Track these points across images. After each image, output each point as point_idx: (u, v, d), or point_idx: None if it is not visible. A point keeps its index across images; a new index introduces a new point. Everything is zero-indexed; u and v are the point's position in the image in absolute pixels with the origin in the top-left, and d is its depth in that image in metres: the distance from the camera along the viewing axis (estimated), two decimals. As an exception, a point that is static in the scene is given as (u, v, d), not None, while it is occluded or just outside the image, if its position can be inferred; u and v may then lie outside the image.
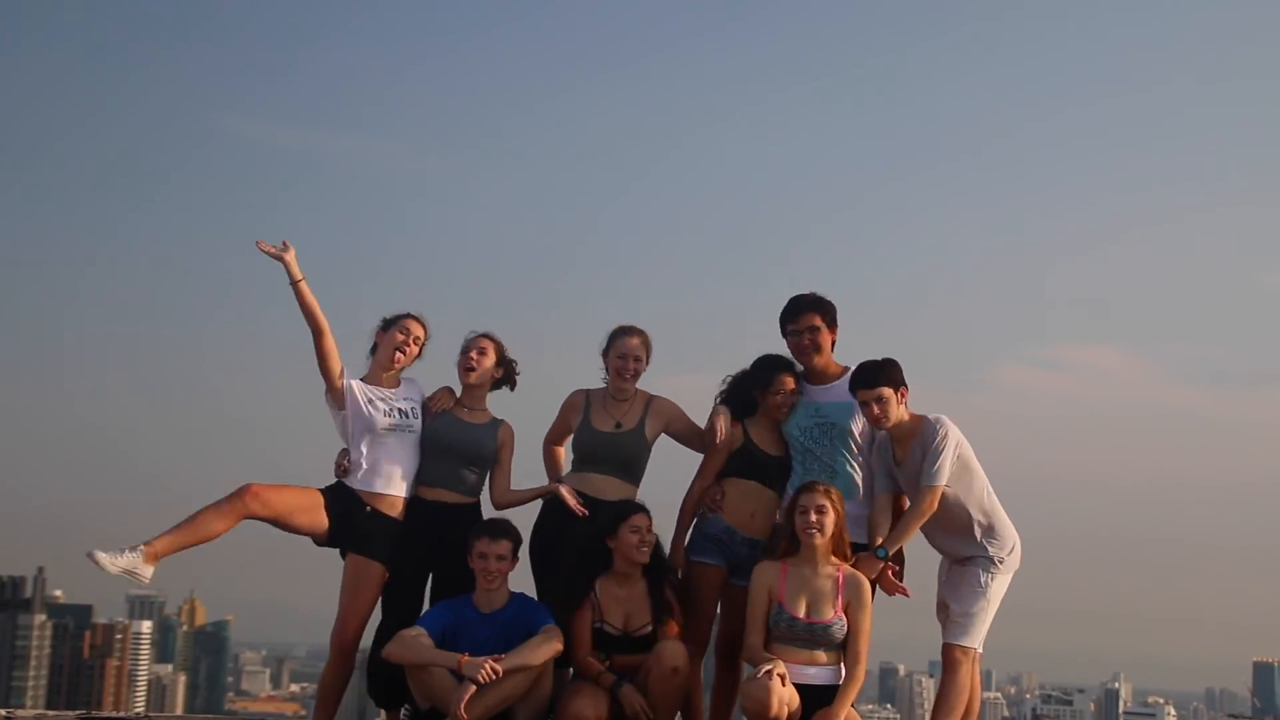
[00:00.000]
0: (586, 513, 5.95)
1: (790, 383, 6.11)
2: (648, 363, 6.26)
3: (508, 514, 6.13)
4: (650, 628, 5.82)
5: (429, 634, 5.65)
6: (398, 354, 6.08)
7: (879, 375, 5.81)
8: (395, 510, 5.99)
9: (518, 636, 5.65)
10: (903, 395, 5.84)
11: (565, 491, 6.02)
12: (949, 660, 5.79)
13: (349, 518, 5.91)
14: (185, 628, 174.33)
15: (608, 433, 6.17)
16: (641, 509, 5.96)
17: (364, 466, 5.97)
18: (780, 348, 6.24)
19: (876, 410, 5.76)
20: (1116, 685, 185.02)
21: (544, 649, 5.61)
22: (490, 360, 6.19)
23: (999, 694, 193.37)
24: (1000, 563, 5.82)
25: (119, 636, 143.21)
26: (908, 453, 5.82)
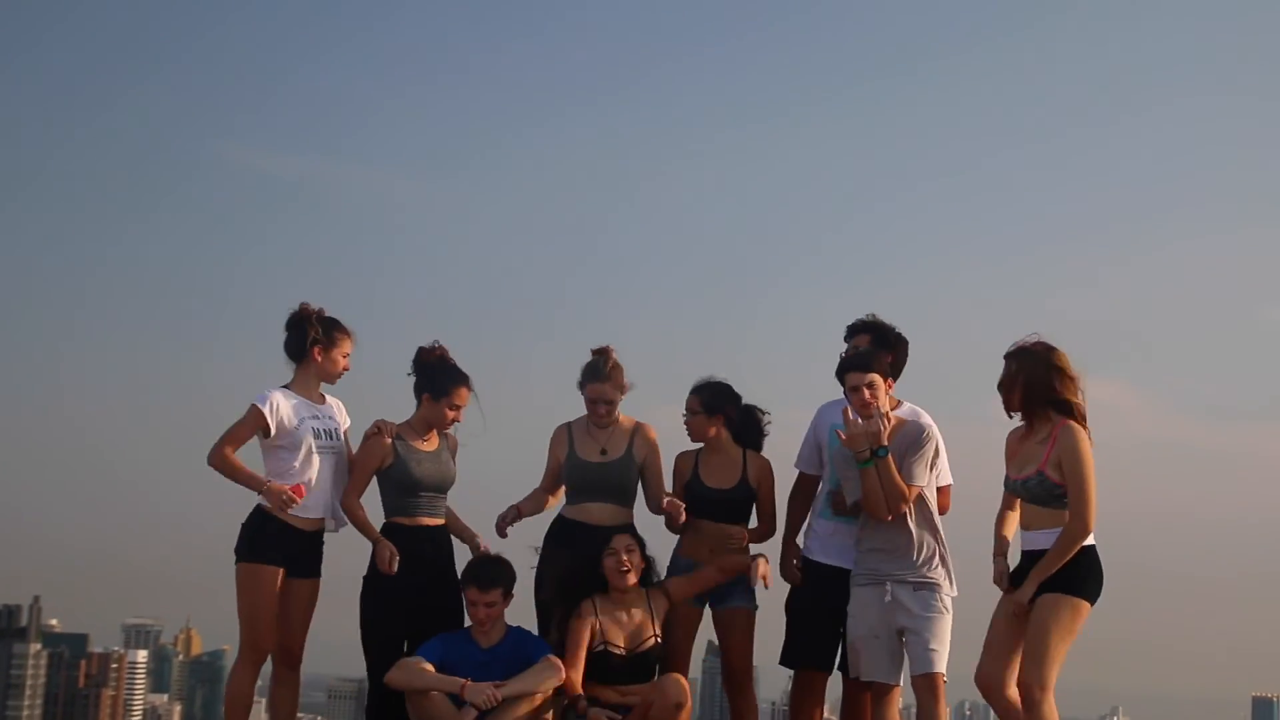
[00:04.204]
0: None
1: (691, 404, 6.13)
2: (624, 394, 6.24)
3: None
4: (654, 640, 5.87)
5: (429, 655, 5.71)
6: (334, 376, 6.04)
7: (871, 361, 5.76)
8: (315, 527, 5.97)
9: (516, 669, 5.67)
10: (890, 386, 5.81)
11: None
12: (935, 690, 5.55)
13: (291, 548, 5.89)
14: (181, 657, 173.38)
15: (596, 463, 6.18)
16: (622, 530, 6.01)
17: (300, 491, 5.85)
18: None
19: (867, 395, 5.66)
20: (1115, 719, 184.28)
21: (546, 676, 5.65)
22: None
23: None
24: (952, 592, 5.73)
25: (114, 666, 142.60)
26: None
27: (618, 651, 5.84)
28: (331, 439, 6.01)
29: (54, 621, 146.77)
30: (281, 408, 5.88)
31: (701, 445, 6.21)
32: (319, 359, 5.99)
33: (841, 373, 5.82)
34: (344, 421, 6.16)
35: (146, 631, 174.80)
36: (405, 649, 5.94)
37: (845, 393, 5.80)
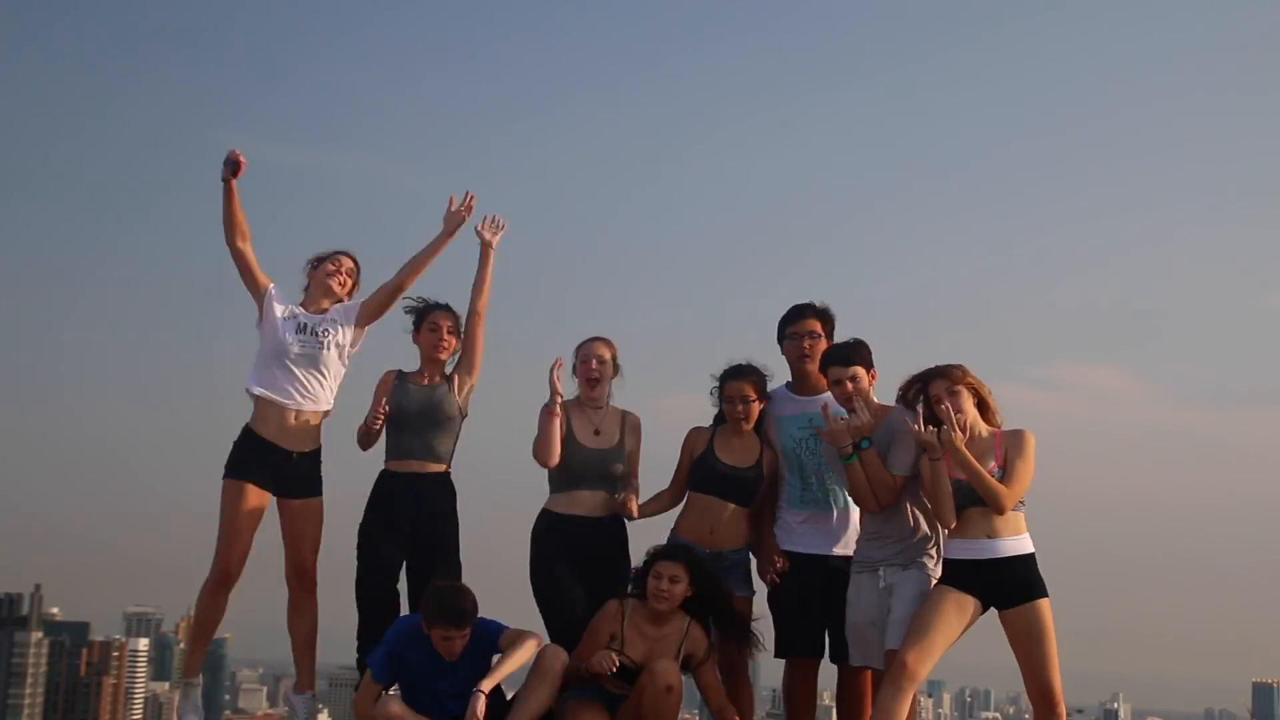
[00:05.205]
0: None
1: (747, 390, 6.07)
2: (615, 370, 6.34)
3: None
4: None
5: (385, 676, 5.68)
6: (331, 284, 6.33)
7: (853, 354, 5.78)
8: (308, 448, 6.18)
9: (479, 663, 5.65)
10: (873, 378, 5.81)
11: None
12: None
13: (280, 472, 6.07)
14: (182, 645, 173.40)
15: (594, 450, 6.19)
16: (671, 555, 5.89)
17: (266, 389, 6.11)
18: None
19: (850, 388, 5.68)
20: (1115, 705, 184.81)
21: (523, 647, 5.60)
22: (455, 339, 6.38)
23: (997, 714, 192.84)
24: (936, 572, 5.68)
25: (115, 654, 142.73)
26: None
27: (629, 665, 5.76)
28: (315, 336, 6.19)
29: (55, 610, 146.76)
30: (276, 304, 6.22)
31: (722, 424, 6.18)
32: (311, 276, 6.42)
33: (824, 366, 5.85)
34: (349, 313, 6.32)
35: (147, 620, 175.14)
36: (396, 607, 6.08)
37: (829, 385, 5.83)
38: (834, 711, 6.13)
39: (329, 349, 6.19)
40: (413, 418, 6.20)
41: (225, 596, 6.11)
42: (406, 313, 6.45)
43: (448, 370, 6.40)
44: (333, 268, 6.35)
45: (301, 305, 6.31)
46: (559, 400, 6.13)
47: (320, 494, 6.23)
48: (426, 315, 6.39)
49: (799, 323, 6.16)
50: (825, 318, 6.18)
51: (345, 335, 6.27)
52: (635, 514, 6.15)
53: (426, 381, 6.34)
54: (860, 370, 5.73)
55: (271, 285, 6.26)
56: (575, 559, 6.04)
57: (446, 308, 6.41)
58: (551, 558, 6.08)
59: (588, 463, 6.17)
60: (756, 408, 6.10)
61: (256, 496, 6.03)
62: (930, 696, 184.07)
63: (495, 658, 5.66)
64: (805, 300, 6.24)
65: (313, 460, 6.21)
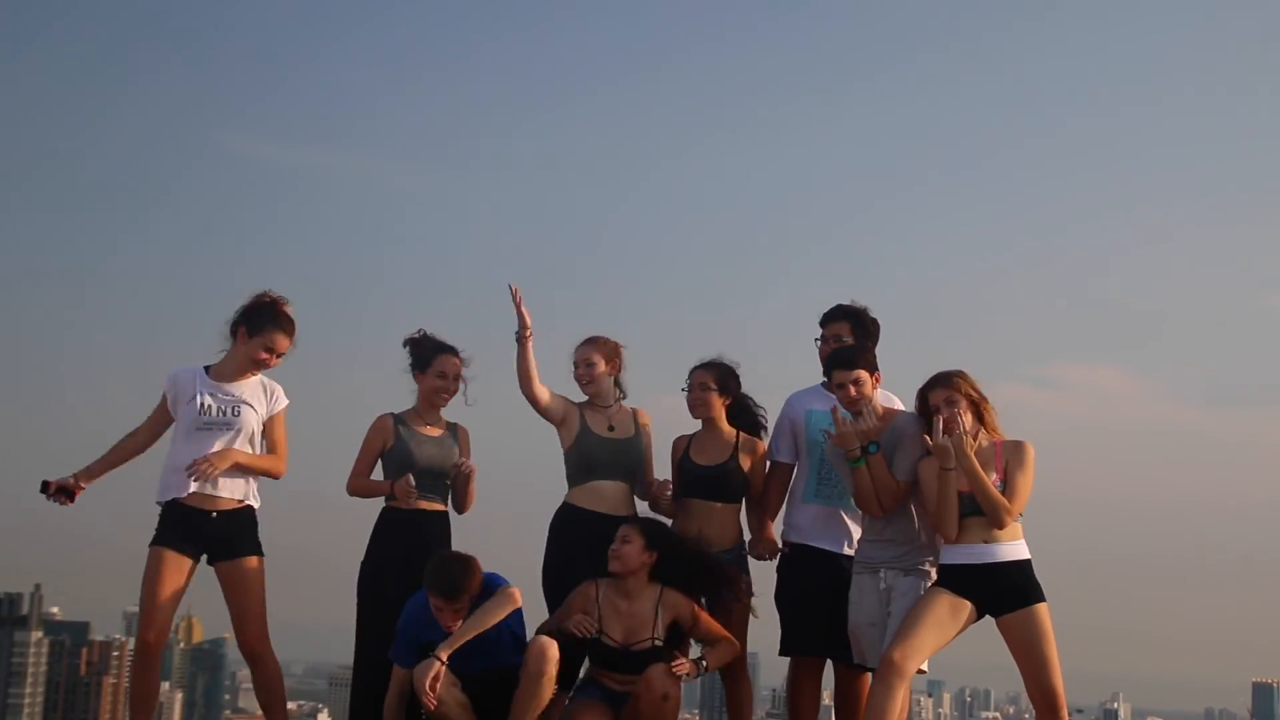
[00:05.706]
0: None
1: (706, 378, 6.12)
2: (609, 368, 6.29)
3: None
4: (652, 643, 5.78)
5: (408, 663, 5.61)
6: (255, 369, 5.85)
7: (857, 357, 5.78)
8: (228, 506, 5.73)
9: (487, 636, 5.59)
10: (877, 380, 5.81)
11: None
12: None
13: (201, 533, 5.69)
14: (182, 645, 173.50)
15: (610, 439, 6.19)
16: (628, 519, 5.96)
17: (179, 471, 5.68)
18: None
19: (854, 392, 5.68)
20: (1115, 705, 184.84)
21: (499, 607, 5.57)
22: (458, 385, 6.25)
23: (997, 714, 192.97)
24: (934, 576, 5.66)
25: (115, 654, 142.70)
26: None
27: (611, 644, 5.78)
28: (225, 415, 5.75)
29: (55, 609, 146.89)
30: (177, 383, 5.80)
31: (698, 427, 6.20)
32: (240, 343, 5.83)
33: (827, 369, 5.86)
34: (266, 402, 5.88)
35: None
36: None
37: (832, 388, 5.83)
38: (834, 711, 6.13)
39: (239, 432, 5.74)
40: (423, 471, 6.06)
41: (155, 671, 5.88)
42: (404, 344, 6.27)
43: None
44: (264, 355, 5.78)
45: (209, 372, 5.83)
46: (528, 329, 6.04)
47: (252, 553, 5.76)
48: (434, 359, 6.20)
49: (828, 325, 6.21)
50: (858, 321, 6.16)
51: (257, 422, 5.82)
52: (668, 500, 6.14)
53: (432, 431, 6.21)
54: (863, 373, 5.72)
55: (164, 388, 5.80)
56: (593, 556, 5.93)
57: (455, 352, 6.25)
58: (569, 552, 6.04)
59: (605, 451, 6.15)
60: (715, 398, 6.12)
61: (175, 563, 5.64)
62: (930, 696, 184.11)
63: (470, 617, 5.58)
64: (837, 300, 6.27)
65: (238, 518, 5.76)
